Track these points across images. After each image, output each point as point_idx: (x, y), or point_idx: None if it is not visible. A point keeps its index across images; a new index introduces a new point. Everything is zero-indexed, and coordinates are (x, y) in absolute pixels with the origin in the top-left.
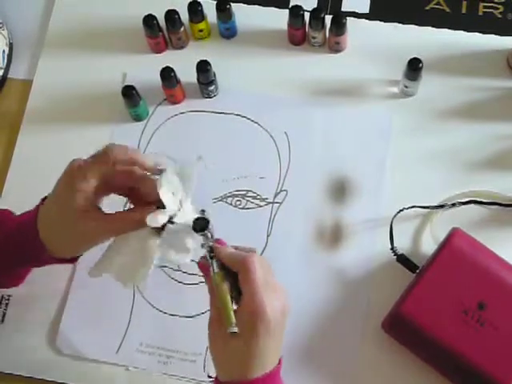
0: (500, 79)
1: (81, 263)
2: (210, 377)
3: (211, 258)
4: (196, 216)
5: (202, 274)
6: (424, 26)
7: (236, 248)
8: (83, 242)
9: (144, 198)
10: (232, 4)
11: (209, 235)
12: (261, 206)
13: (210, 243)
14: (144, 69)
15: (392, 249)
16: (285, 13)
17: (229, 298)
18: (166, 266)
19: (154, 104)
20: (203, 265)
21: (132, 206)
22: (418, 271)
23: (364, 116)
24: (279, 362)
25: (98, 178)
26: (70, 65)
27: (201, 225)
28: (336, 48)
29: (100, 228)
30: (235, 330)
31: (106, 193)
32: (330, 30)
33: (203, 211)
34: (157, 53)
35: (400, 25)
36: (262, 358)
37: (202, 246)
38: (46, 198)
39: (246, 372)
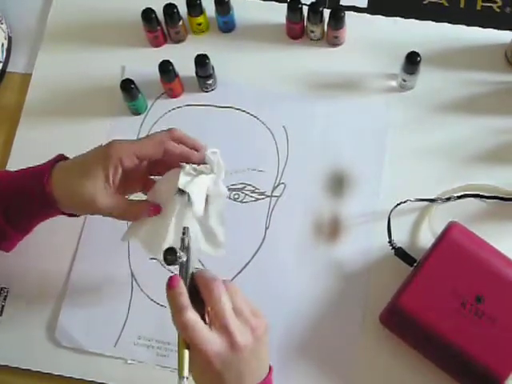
0: (498, 73)
1: (78, 260)
2: None
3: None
4: (167, 246)
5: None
6: (422, 20)
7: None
8: (92, 211)
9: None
10: None
11: (183, 262)
12: (259, 200)
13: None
14: (143, 62)
15: (390, 242)
16: (283, 7)
17: (186, 353)
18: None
19: (153, 98)
20: None
21: None
22: (415, 264)
23: (362, 109)
24: (269, 370)
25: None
26: (69, 58)
27: (170, 259)
28: (334, 42)
29: (114, 208)
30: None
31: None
32: (329, 23)
33: (184, 230)
34: (155, 47)
35: (398, 19)
36: (239, 379)
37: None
38: (60, 155)
39: None
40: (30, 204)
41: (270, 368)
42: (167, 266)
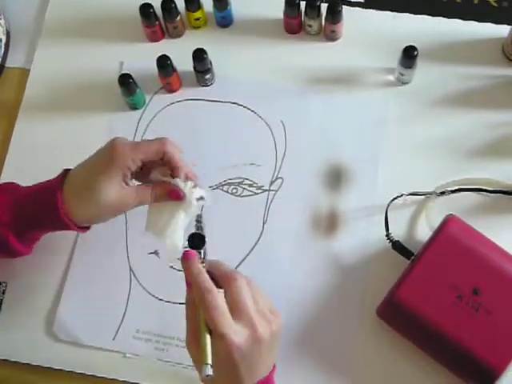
0: (495, 67)
1: (77, 254)
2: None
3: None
4: (192, 232)
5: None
6: (419, 15)
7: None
8: (112, 211)
9: None
10: None
11: (202, 252)
12: (257, 194)
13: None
14: (141, 57)
15: (387, 236)
16: (281, 1)
17: (207, 336)
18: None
19: (151, 92)
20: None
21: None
22: (413, 258)
23: (360, 104)
24: (273, 367)
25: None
26: (67, 53)
27: (197, 243)
28: (332, 36)
29: (135, 197)
30: (210, 373)
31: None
32: (326, 18)
33: (199, 217)
34: (153, 41)
35: (395, 13)
36: (250, 372)
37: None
38: (65, 170)
39: None
40: (43, 224)
41: (274, 365)
42: (167, 263)
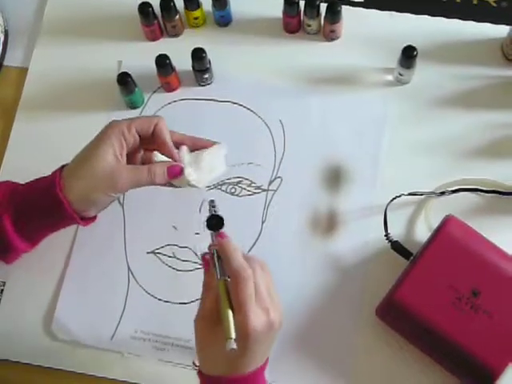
0: (494, 68)
1: (75, 253)
2: (194, 365)
3: (218, 259)
4: (209, 214)
5: (202, 266)
6: (419, 15)
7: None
8: (105, 185)
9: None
10: None
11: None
12: (255, 193)
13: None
14: (139, 56)
15: (386, 236)
16: (280, 0)
17: (230, 312)
18: (160, 253)
19: (150, 91)
20: (206, 260)
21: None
22: (412, 258)
23: (359, 103)
24: (265, 361)
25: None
26: (66, 52)
27: (217, 225)
28: (331, 36)
29: (129, 174)
30: (234, 346)
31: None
32: (325, 17)
33: (213, 202)
34: (152, 40)
35: (395, 13)
36: (249, 360)
37: (210, 246)
38: (64, 165)
39: (229, 371)
40: (42, 213)
41: (265, 362)
42: (164, 260)
